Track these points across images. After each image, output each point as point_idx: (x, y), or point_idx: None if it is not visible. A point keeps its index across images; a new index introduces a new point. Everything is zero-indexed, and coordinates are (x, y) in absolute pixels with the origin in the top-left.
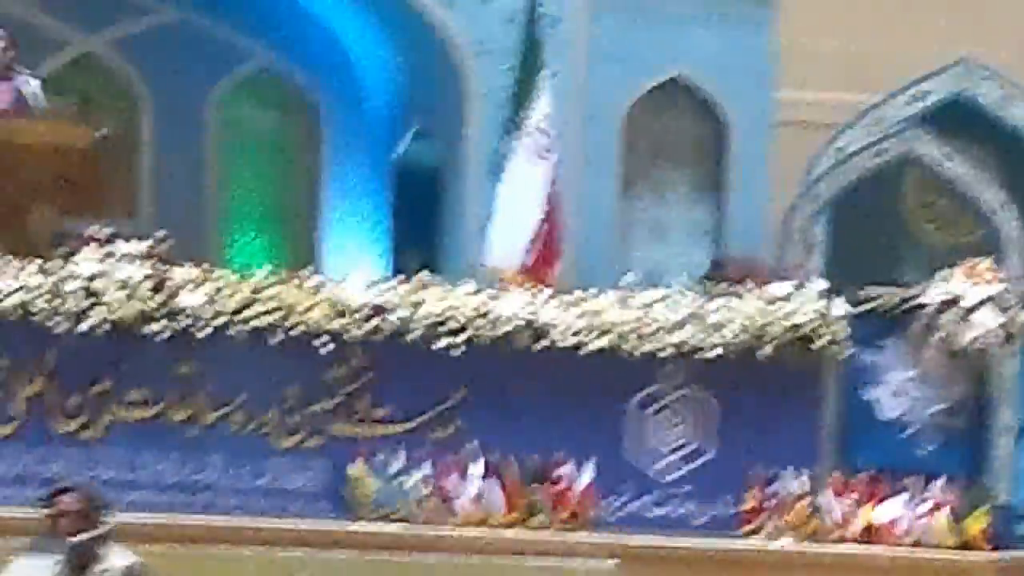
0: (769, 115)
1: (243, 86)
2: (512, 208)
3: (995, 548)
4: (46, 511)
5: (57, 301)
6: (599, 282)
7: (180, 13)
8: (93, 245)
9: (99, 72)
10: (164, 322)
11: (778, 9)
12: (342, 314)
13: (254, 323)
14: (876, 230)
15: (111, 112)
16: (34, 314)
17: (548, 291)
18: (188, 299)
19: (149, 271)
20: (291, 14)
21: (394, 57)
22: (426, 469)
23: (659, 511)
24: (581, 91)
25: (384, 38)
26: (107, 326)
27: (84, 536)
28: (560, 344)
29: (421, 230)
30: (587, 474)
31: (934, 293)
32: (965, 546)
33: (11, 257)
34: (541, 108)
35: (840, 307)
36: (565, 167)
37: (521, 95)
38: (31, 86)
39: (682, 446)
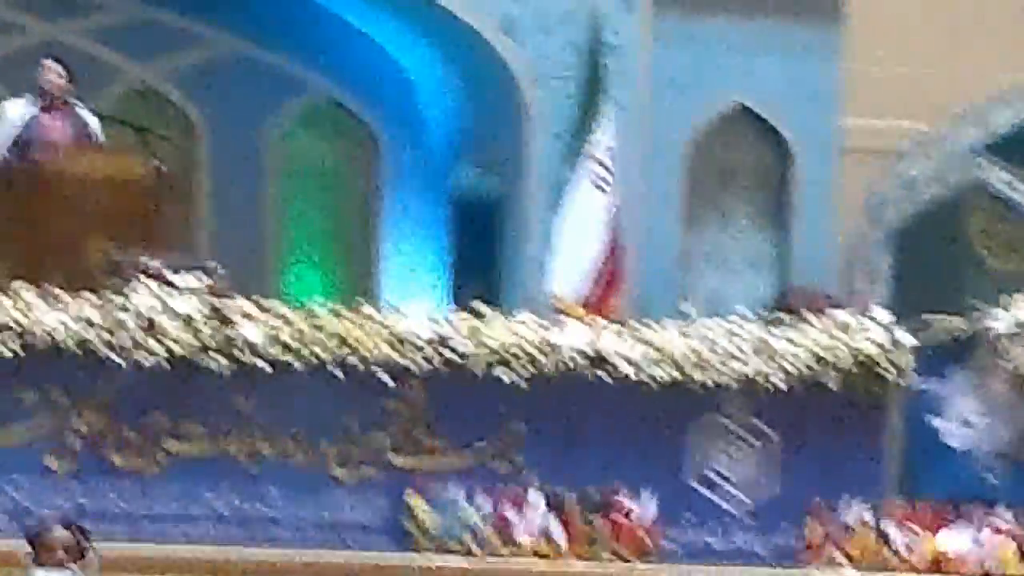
0: (834, 143)
1: (302, 116)
2: (574, 239)
3: None
4: (33, 546)
5: (114, 334)
6: (662, 313)
7: (238, 43)
8: (150, 278)
9: (156, 103)
10: (221, 355)
11: (843, 36)
12: (401, 346)
13: (312, 355)
14: (941, 258)
15: (169, 144)
16: (90, 347)
17: (610, 322)
18: (246, 331)
19: (206, 304)
20: (351, 44)
21: (455, 86)
22: (486, 501)
23: (721, 542)
24: (644, 120)
25: (446, 67)
26: (164, 359)
27: (74, 570)
28: (622, 375)
29: (481, 261)
30: (649, 505)
31: (999, 321)
32: None
33: (67, 289)
34: (603, 138)
35: (905, 336)
36: (627, 197)
37: (584, 125)
38: (88, 118)
39: (744, 476)
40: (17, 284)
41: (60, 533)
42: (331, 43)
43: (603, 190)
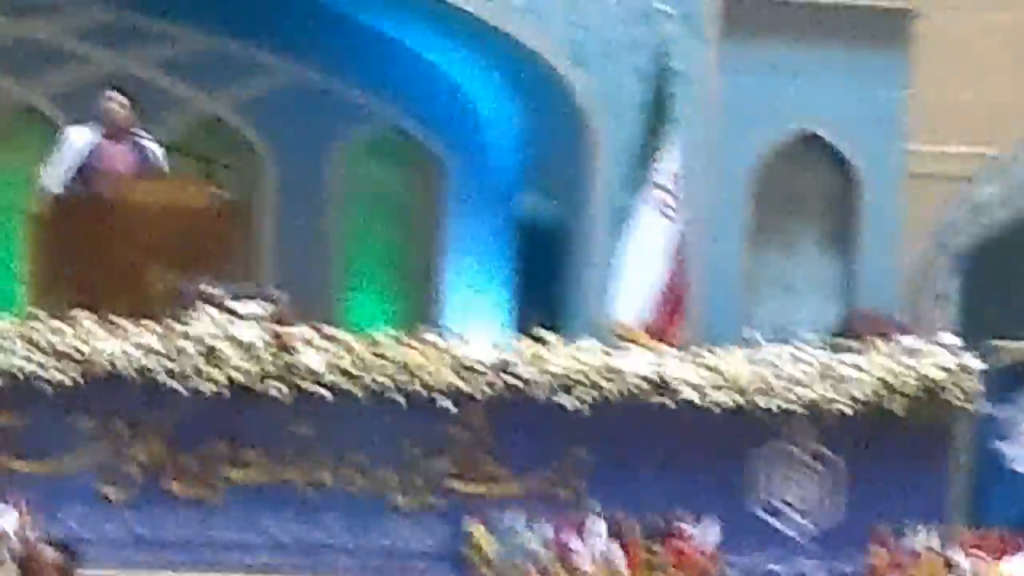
0: (901, 168)
1: (366, 144)
2: (638, 264)
3: None
4: (23, 567)
5: (175, 362)
6: (726, 338)
7: (303, 72)
8: (212, 305)
9: (221, 132)
10: (283, 382)
11: (910, 61)
12: (463, 372)
13: (374, 382)
14: (1008, 283)
15: (232, 172)
16: (151, 375)
17: (673, 348)
18: (307, 359)
19: (268, 331)
20: (415, 71)
21: (520, 113)
22: (547, 528)
23: (785, 568)
24: (710, 147)
25: (511, 94)
26: (225, 387)
27: None
28: (685, 401)
29: (544, 287)
30: (711, 531)
31: None
32: None
33: (129, 318)
34: (669, 164)
35: (972, 361)
36: (692, 223)
37: (649, 151)
38: (151, 147)
39: (808, 502)
40: (79, 313)
41: (50, 555)
42: (396, 71)
43: (668, 216)
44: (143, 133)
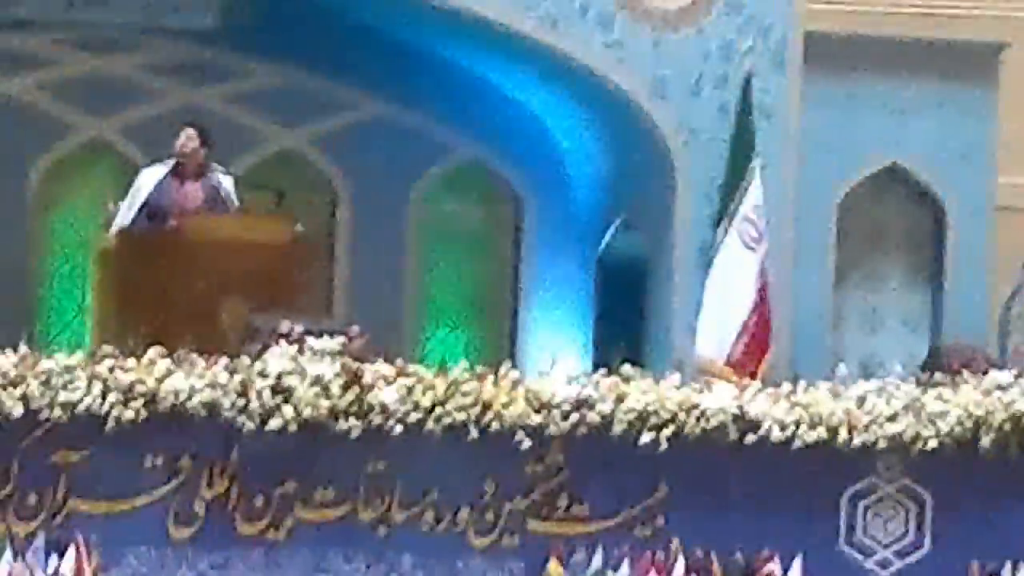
0: (988, 201)
1: (446, 179)
2: (721, 299)
3: None
4: None
5: (246, 398)
6: (812, 373)
7: (382, 107)
8: (287, 342)
9: (298, 167)
10: (356, 419)
11: (997, 93)
12: (541, 409)
13: (449, 419)
14: None
15: (309, 207)
16: (221, 412)
17: (758, 383)
18: (381, 395)
19: (342, 367)
20: (496, 106)
21: (603, 148)
22: (625, 568)
23: None
24: (793, 180)
25: (593, 129)
26: (296, 424)
27: None
28: (770, 438)
29: (625, 322)
30: (796, 570)
31: None
32: None
33: (202, 354)
34: (752, 198)
35: None
36: (776, 257)
37: (732, 185)
38: (225, 183)
39: (898, 540)
40: (147, 349)
41: None
42: (476, 105)
43: (752, 250)
44: (217, 168)
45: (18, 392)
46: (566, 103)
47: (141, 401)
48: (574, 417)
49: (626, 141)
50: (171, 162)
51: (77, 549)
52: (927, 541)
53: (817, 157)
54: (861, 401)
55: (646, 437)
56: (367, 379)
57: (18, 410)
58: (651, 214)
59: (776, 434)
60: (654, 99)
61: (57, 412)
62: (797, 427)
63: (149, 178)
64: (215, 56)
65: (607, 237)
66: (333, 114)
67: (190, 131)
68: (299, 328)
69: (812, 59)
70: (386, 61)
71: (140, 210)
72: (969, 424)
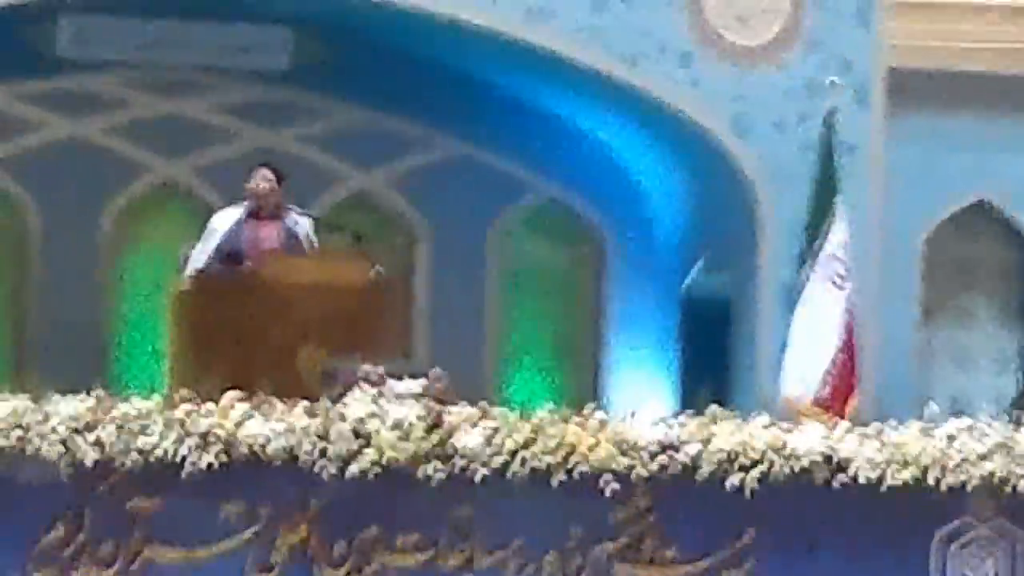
0: None
1: (526, 218)
2: (807, 338)
3: None
4: None
5: (327, 443)
6: (900, 413)
7: (461, 147)
8: (368, 385)
9: (375, 208)
10: (438, 464)
11: None
12: (628, 452)
13: (534, 463)
14: None
15: (387, 249)
16: (300, 458)
17: (846, 423)
18: (464, 439)
19: (423, 411)
20: (576, 145)
21: (684, 186)
22: None
23: None
24: (879, 217)
25: (675, 167)
26: (377, 469)
27: None
28: (860, 478)
29: (711, 362)
30: None
31: None
32: None
33: (281, 398)
34: (837, 235)
35: None
36: (862, 295)
37: (816, 223)
38: (302, 225)
39: None
40: (224, 393)
41: None
42: (555, 144)
43: (838, 288)
44: (294, 209)
45: (92, 438)
46: (647, 141)
47: (218, 447)
48: (661, 459)
49: (708, 179)
50: (246, 204)
51: None
52: None
53: (903, 193)
54: (952, 440)
55: (734, 479)
56: (449, 423)
57: (92, 456)
58: (734, 252)
59: (866, 474)
60: (736, 137)
61: (132, 458)
62: (887, 467)
63: (224, 220)
64: (289, 97)
65: (690, 276)
66: (410, 154)
67: (264, 172)
68: (379, 371)
69: (896, 95)
70: (462, 100)
71: (215, 252)
72: None
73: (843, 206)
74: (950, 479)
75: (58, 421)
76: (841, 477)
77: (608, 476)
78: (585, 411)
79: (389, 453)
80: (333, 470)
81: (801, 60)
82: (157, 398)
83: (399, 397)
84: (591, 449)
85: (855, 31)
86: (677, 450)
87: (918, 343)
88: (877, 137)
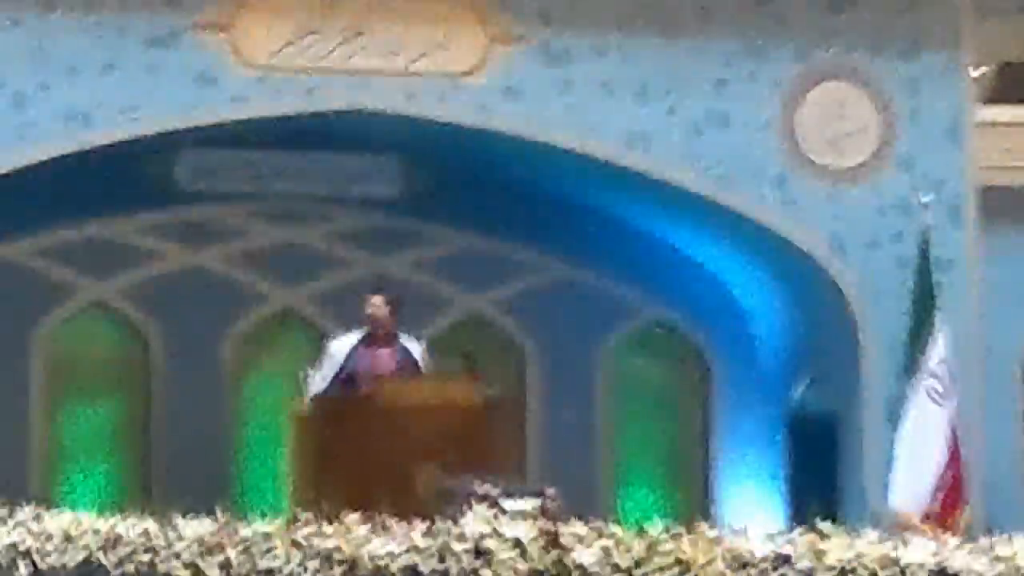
0: None
1: (633, 340)
2: (913, 453)
3: None
4: None
5: (444, 562)
6: (1007, 526)
7: (567, 269)
8: (482, 503)
9: (485, 330)
10: None
11: None
12: (741, 566)
13: None
14: None
15: (498, 370)
16: (418, 574)
17: (956, 537)
18: (581, 556)
19: (539, 528)
20: (679, 267)
21: (785, 304)
22: None
23: None
24: (978, 332)
25: (775, 286)
26: None
27: None
28: None
29: (819, 478)
30: None
31: None
32: None
33: (397, 518)
34: (937, 351)
35: None
36: (965, 407)
37: (916, 338)
38: (414, 348)
39: None
40: (343, 513)
41: None
42: (658, 266)
43: (939, 404)
44: (406, 335)
45: (217, 560)
46: (746, 262)
47: (341, 568)
48: (776, 574)
49: (808, 298)
50: (361, 331)
51: None
52: None
53: (1000, 308)
54: None
55: None
56: (565, 540)
57: None
58: (837, 368)
59: None
60: (833, 255)
61: None
62: None
63: (340, 346)
64: (400, 224)
65: (796, 393)
66: (517, 277)
67: (376, 299)
68: (494, 490)
69: (988, 211)
70: (566, 223)
71: (334, 378)
72: None
73: (941, 320)
74: None
75: (185, 544)
76: None
77: None
78: (697, 526)
79: (507, 572)
80: None
81: (893, 180)
82: (279, 520)
83: (515, 515)
84: (705, 565)
85: (946, 151)
86: (790, 565)
87: (1022, 456)
88: (972, 253)
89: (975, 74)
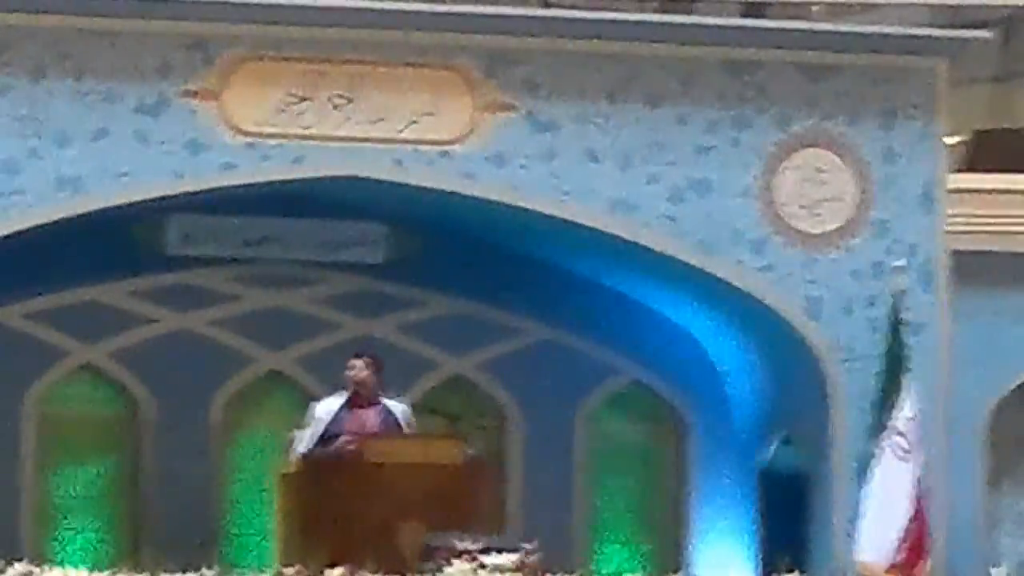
0: None
1: (612, 400)
2: (879, 508)
3: None
4: None
5: None
6: None
7: (547, 332)
8: (463, 558)
9: (468, 392)
10: None
11: None
12: None
13: None
14: None
15: (480, 430)
16: None
17: None
18: None
19: None
20: (656, 329)
21: (759, 366)
22: None
23: None
24: (945, 392)
25: (749, 348)
26: None
27: None
28: None
29: (789, 533)
30: None
31: None
32: None
33: (381, 573)
34: (904, 411)
35: None
36: (931, 465)
37: (886, 399)
38: (398, 409)
39: None
40: (329, 570)
41: None
42: (637, 329)
43: (905, 460)
44: (389, 396)
45: None
46: (723, 325)
47: None
48: None
49: (782, 360)
50: (346, 391)
51: None
52: None
53: (968, 367)
54: None
55: None
56: None
57: None
58: (808, 427)
59: None
60: (807, 319)
61: None
62: None
63: (325, 408)
64: (385, 288)
65: (769, 451)
66: (500, 340)
67: (358, 362)
68: (475, 545)
69: (959, 276)
70: (548, 288)
71: (319, 439)
72: None
73: (911, 382)
74: None
75: None
76: None
77: None
78: None
79: None
80: None
81: (867, 245)
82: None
83: (495, 570)
84: None
85: (920, 217)
86: None
87: (983, 510)
88: (943, 316)
89: (950, 142)
